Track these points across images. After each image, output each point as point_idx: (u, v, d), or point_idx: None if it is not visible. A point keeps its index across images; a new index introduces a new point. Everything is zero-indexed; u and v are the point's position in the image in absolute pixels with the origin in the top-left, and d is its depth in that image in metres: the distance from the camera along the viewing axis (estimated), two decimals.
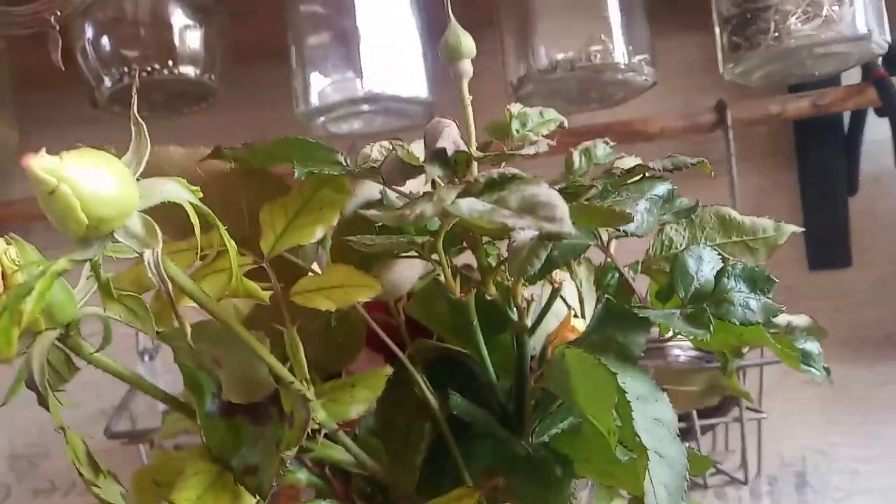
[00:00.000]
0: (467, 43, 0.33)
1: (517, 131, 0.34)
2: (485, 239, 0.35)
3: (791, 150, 0.84)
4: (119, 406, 0.73)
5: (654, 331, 0.36)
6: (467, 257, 0.37)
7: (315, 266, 0.39)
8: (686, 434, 0.67)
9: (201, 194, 0.29)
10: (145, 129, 0.29)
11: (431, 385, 0.39)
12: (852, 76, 0.77)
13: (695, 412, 0.68)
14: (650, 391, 0.31)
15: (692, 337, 0.33)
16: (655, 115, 0.77)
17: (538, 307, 0.39)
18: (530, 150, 0.31)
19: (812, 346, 0.38)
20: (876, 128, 0.79)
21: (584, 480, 0.37)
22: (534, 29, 0.72)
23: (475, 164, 0.31)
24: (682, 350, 0.62)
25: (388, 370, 0.37)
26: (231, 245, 0.30)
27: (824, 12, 0.66)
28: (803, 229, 0.41)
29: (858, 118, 0.79)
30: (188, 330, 0.28)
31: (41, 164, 0.24)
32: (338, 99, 0.72)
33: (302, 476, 0.39)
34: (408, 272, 0.39)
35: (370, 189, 0.38)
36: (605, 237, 0.37)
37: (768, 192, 0.83)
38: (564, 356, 0.32)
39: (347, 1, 0.71)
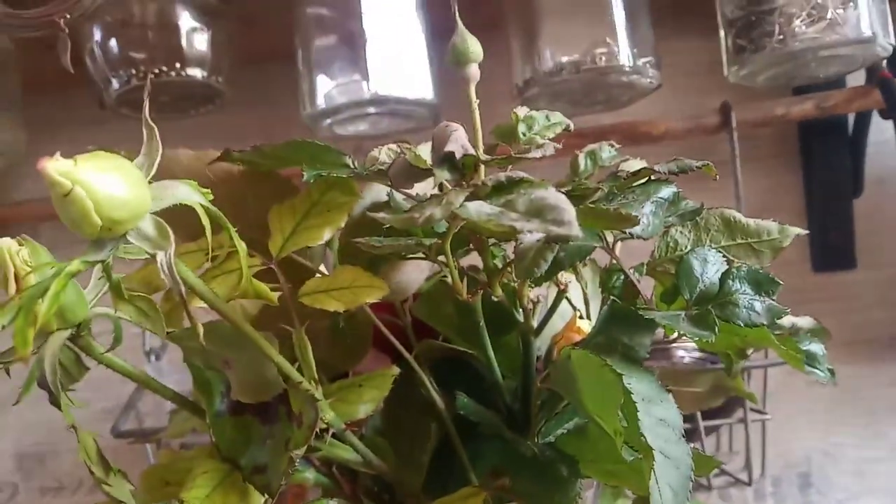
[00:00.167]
0: (475, 47, 0.34)
1: (524, 134, 0.34)
2: (491, 241, 0.35)
3: (796, 151, 0.84)
4: (126, 405, 0.74)
5: (659, 332, 0.36)
6: (473, 259, 0.37)
7: (322, 268, 0.39)
8: (690, 435, 0.66)
9: (212, 197, 0.29)
10: (157, 132, 0.29)
11: (438, 385, 0.40)
12: (857, 78, 0.77)
13: (699, 413, 0.68)
14: (656, 392, 0.31)
15: (697, 338, 0.33)
16: (660, 117, 0.77)
17: (544, 308, 0.39)
18: (537, 154, 0.32)
19: (816, 347, 0.38)
20: (880, 129, 0.79)
21: (589, 481, 0.37)
22: (539, 32, 0.72)
23: (482, 167, 0.32)
24: (686, 351, 0.62)
25: (395, 370, 0.37)
26: (241, 246, 0.30)
27: (829, 15, 0.66)
28: (808, 231, 0.42)
29: (863, 120, 0.79)
30: (201, 330, 0.29)
31: (56, 167, 0.25)
32: (344, 101, 0.72)
33: (310, 475, 0.39)
34: (415, 274, 0.39)
35: (377, 191, 0.39)
36: (610, 239, 0.37)
37: (773, 194, 0.83)
38: (570, 357, 0.32)
39: (354, 4, 0.72)
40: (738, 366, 0.44)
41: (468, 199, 0.26)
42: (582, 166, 0.40)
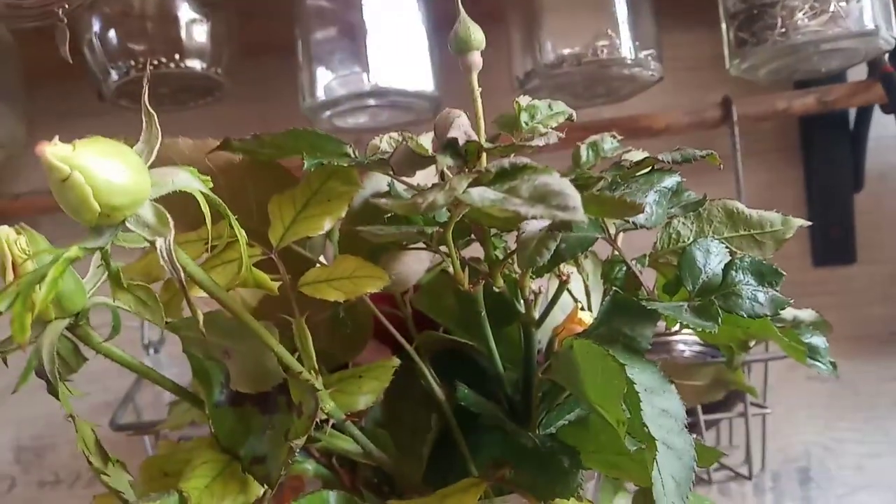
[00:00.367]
0: (477, 35, 0.33)
1: (526, 123, 0.34)
2: (492, 231, 0.35)
3: (797, 146, 0.84)
4: (124, 398, 0.74)
5: (660, 325, 0.36)
6: (474, 250, 0.37)
7: (322, 259, 0.39)
8: (691, 429, 0.66)
9: (212, 184, 0.29)
10: (156, 119, 0.29)
11: (438, 377, 0.39)
12: (858, 72, 0.77)
13: (699, 407, 0.68)
14: (658, 383, 0.31)
15: (700, 329, 0.33)
16: (661, 110, 0.77)
17: (545, 300, 0.39)
18: (540, 142, 0.32)
19: (818, 340, 0.38)
20: (882, 124, 0.79)
21: (590, 472, 0.37)
22: (540, 24, 0.72)
23: (485, 155, 0.31)
24: (686, 345, 0.62)
25: (396, 361, 0.37)
26: (241, 235, 0.30)
27: (831, 8, 0.65)
28: (811, 223, 0.41)
29: (864, 114, 0.79)
30: (201, 318, 0.29)
31: (54, 151, 0.24)
32: (344, 93, 0.72)
33: (309, 466, 0.39)
34: (415, 264, 0.39)
35: (378, 181, 0.38)
36: (612, 230, 0.37)
37: (774, 188, 0.83)
38: (572, 348, 0.32)
39: None
40: (740, 358, 0.44)
41: (471, 184, 0.26)
42: (584, 157, 0.40)
